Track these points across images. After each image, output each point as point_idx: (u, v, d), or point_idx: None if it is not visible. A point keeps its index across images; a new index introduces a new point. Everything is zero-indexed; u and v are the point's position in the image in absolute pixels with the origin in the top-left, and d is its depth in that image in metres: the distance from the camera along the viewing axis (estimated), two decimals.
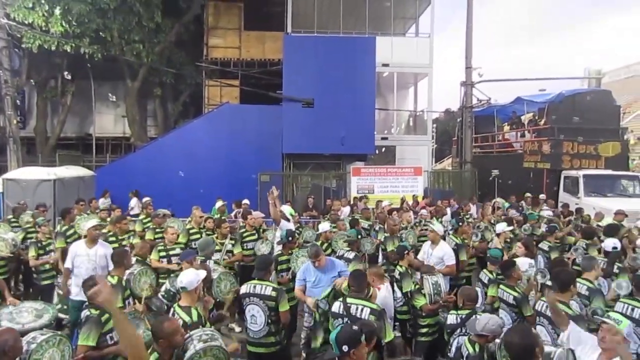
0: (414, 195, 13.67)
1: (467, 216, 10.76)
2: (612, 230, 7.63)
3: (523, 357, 2.96)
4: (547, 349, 3.25)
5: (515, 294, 4.93)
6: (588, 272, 5.18)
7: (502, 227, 7.73)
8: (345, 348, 2.99)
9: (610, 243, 6.32)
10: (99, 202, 13.09)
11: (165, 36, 18.66)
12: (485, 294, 5.54)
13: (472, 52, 17.71)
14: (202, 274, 4.23)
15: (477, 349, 3.73)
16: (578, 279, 5.08)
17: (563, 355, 3.19)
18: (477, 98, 18.38)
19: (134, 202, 13.49)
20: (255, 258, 7.25)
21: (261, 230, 8.49)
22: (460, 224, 8.03)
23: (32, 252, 7.09)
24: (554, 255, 7.07)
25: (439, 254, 6.57)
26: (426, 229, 8.99)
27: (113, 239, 7.52)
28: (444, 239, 7.24)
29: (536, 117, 18.55)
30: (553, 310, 3.93)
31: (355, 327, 3.20)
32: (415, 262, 6.49)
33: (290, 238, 6.48)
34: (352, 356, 3.01)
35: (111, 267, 6.51)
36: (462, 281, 7.19)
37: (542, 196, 13.46)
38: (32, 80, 20.54)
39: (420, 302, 5.16)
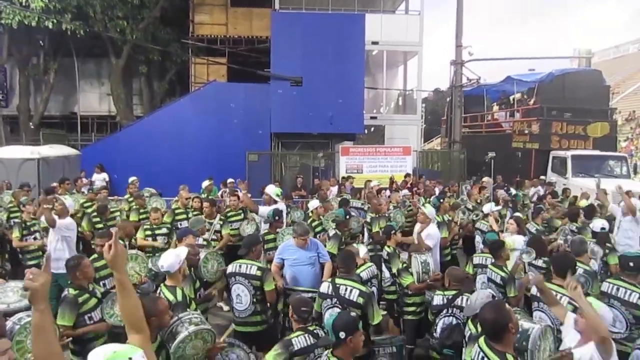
0: (406, 175, 13.66)
1: (454, 196, 10.79)
2: (590, 211, 7.74)
3: (497, 332, 2.96)
4: (525, 325, 3.26)
5: (503, 274, 4.95)
6: (580, 255, 5.12)
7: (490, 207, 7.74)
8: (342, 334, 3.01)
9: (598, 224, 6.35)
10: (92, 178, 13.00)
11: (150, 12, 18.17)
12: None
13: (462, 30, 17.54)
14: (183, 253, 4.18)
15: (479, 330, 3.75)
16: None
17: (541, 331, 3.19)
18: (467, 77, 18.28)
19: (103, 176, 13.42)
20: (240, 238, 7.29)
21: (247, 210, 8.43)
22: (441, 201, 8.04)
23: (16, 233, 6.97)
24: None
25: (424, 235, 6.59)
26: (410, 210, 9.03)
27: (97, 219, 7.43)
28: None
29: (525, 97, 18.55)
30: (541, 291, 3.91)
31: (352, 314, 3.25)
32: (405, 240, 6.49)
33: (276, 217, 6.47)
34: (348, 343, 3.03)
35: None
36: (446, 258, 7.23)
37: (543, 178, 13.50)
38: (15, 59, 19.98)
39: (407, 280, 5.16)
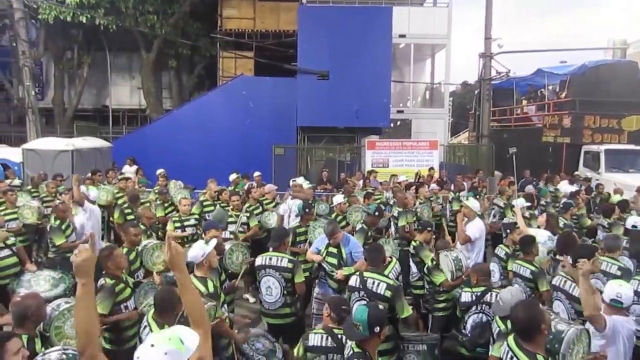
0: (430, 169, 13.54)
1: (484, 191, 10.66)
2: (624, 207, 7.54)
3: (529, 332, 2.91)
4: (559, 326, 3.20)
5: (533, 268, 4.89)
6: (613, 252, 5.01)
7: (520, 202, 7.62)
8: (377, 329, 3.06)
9: (631, 221, 6.19)
10: (123, 170, 13.33)
11: (179, 7, 18.44)
12: (504, 268, 5.49)
13: (491, 22, 17.17)
14: (210, 245, 4.24)
15: (509, 326, 3.73)
16: (608, 259, 4.97)
17: (575, 334, 3.13)
18: (496, 70, 17.91)
19: (134, 169, 13.71)
20: (263, 230, 7.38)
21: (273, 203, 8.54)
22: (477, 197, 7.95)
23: (53, 220, 7.24)
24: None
25: (472, 228, 6.50)
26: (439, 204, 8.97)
27: (129, 210, 7.62)
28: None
29: (557, 90, 18.09)
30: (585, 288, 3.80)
31: (381, 307, 3.32)
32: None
33: (306, 210, 6.53)
34: (380, 336, 3.11)
35: None
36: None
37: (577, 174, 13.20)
38: (51, 53, 20.60)
39: (439, 278, 5.10)
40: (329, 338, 3.40)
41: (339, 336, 3.40)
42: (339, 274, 5.02)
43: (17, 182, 9.95)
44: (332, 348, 3.37)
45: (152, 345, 1.94)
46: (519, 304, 3.14)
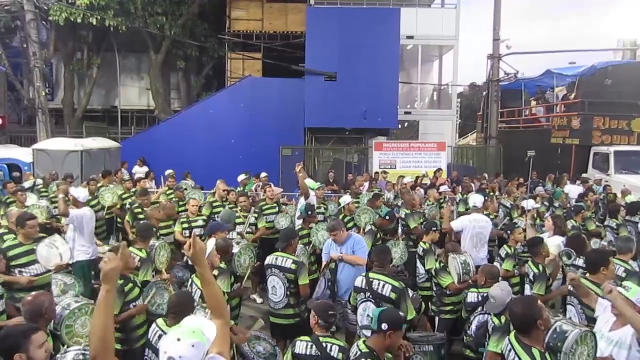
0: (436, 170, 13.50)
1: (492, 193, 10.61)
2: (635, 209, 7.46)
3: (525, 327, 2.99)
4: (565, 327, 3.22)
5: (536, 271, 4.88)
6: (624, 254, 4.95)
7: (531, 204, 7.58)
8: (384, 326, 3.07)
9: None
10: (133, 171, 13.45)
11: (188, 8, 18.58)
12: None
13: (500, 23, 17.12)
14: (210, 246, 4.25)
15: (503, 321, 3.80)
16: (616, 261, 4.84)
17: (580, 335, 3.13)
18: (504, 71, 17.85)
19: (144, 170, 13.80)
20: (275, 231, 7.39)
21: (281, 204, 8.55)
22: (486, 198, 7.93)
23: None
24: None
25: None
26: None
27: (139, 210, 7.67)
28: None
29: (561, 94, 17.98)
30: (577, 287, 3.92)
31: (401, 314, 3.36)
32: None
33: (309, 212, 6.53)
34: (387, 337, 3.10)
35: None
36: None
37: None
38: (61, 54, 20.78)
39: (446, 281, 5.11)
40: (314, 347, 3.36)
41: (324, 344, 3.36)
42: (333, 255, 5.18)
43: (40, 181, 10.05)
44: (315, 357, 3.33)
45: (179, 340, 2.03)
46: (516, 299, 3.23)
